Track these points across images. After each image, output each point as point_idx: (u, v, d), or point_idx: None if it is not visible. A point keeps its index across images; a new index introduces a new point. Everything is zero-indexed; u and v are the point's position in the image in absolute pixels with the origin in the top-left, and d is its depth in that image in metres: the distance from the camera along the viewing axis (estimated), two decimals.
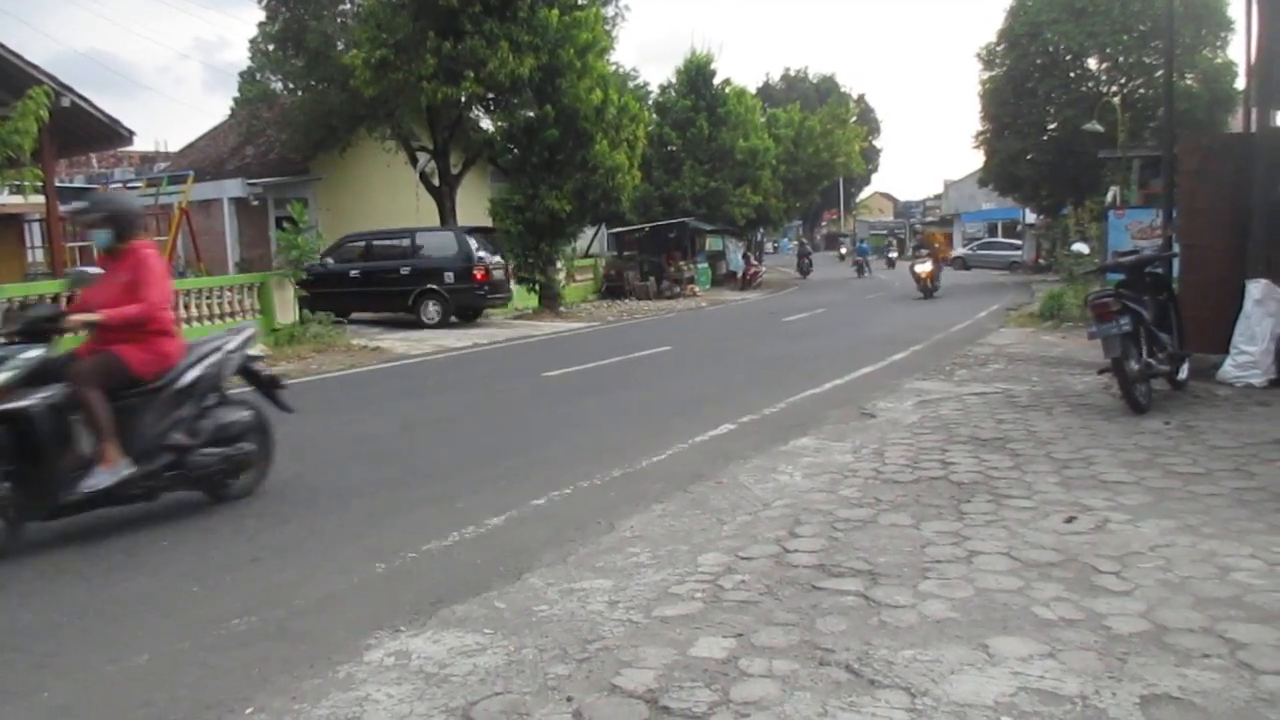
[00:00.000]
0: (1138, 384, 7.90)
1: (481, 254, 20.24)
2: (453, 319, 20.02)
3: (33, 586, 4.80)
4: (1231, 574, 4.22)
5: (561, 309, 23.90)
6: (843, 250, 62.99)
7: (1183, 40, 28.02)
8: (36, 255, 24.33)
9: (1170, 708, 3.09)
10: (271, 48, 27.03)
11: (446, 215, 26.50)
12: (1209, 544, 4.62)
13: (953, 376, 10.84)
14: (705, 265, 35.84)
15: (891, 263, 49.89)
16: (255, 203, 28.64)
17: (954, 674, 3.37)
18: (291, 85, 27.82)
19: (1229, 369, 9.19)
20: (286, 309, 16.42)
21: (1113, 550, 4.58)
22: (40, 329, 5.57)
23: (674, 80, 37.54)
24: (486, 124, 25.23)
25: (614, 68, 27.07)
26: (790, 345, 15.32)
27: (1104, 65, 33.37)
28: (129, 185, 26.88)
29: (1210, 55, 30.98)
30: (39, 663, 3.90)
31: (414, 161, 26.82)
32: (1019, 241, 50.39)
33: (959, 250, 53.34)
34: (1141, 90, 31.99)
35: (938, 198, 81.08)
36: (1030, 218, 46.18)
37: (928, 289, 26.65)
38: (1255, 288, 9.08)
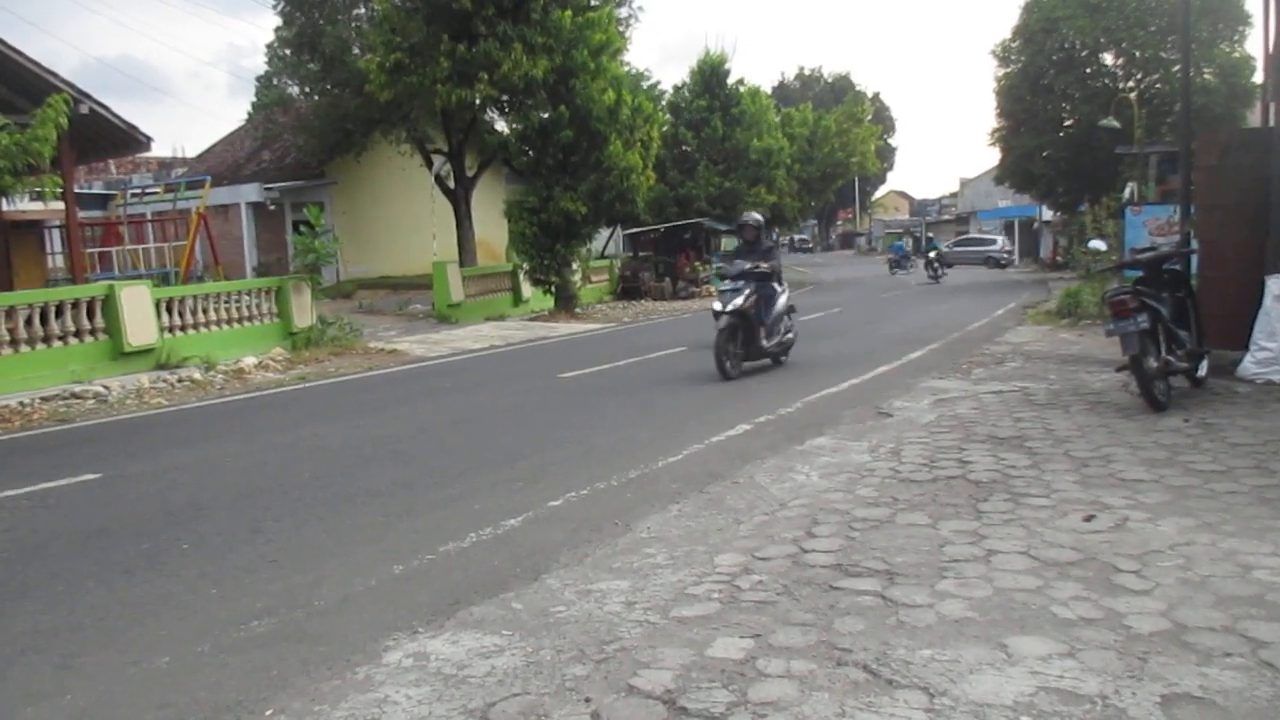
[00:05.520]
0: (1156, 381, 7.85)
1: None
2: None
3: (55, 589, 4.84)
4: (1253, 572, 4.19)
5: (577, 310, 23.93)
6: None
7: (1199, 34, 27.81)
8: (57, 261, 24.56)
9: (1191, 707, 3.07)
10: (288, 53, 27.22)
11: (462, 218, 26.62)
12: (1229, 542, 4.58)
13: (970, 375, 10.80)
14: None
15: (936, 272, 35.66)
16: (272, 207, 28.82)
17: (972, 674, 3.36)
18: (307, 90, 28.00)
19: (1249, 366, 9.12)
20: (304, 312, 16.51)
21: (1132, 549, 4.55)
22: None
23: (688, 80, 37.50)
24: (501, 126, 25.31)
25: (627, 68, 27.06)
26: (805, 345, 15.25)
27: (1120, 61, 33.14)
28: (147, 190, 27.07)
29: (1227, 49, 30.70)
30: (61, 664, 3.93)
31: (429, 164, 26.95)
32: (995, 237, 52.94)
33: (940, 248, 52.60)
34: (1158, 85, 31.77)
35: (954, 195, 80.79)
36: (1047, 215, 45.92)
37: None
38: (1275, 283, 9.01)
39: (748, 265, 11.50)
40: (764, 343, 11.57)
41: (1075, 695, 3.16)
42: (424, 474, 7.04)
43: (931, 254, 36.77)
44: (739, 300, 11.05)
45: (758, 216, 12.56)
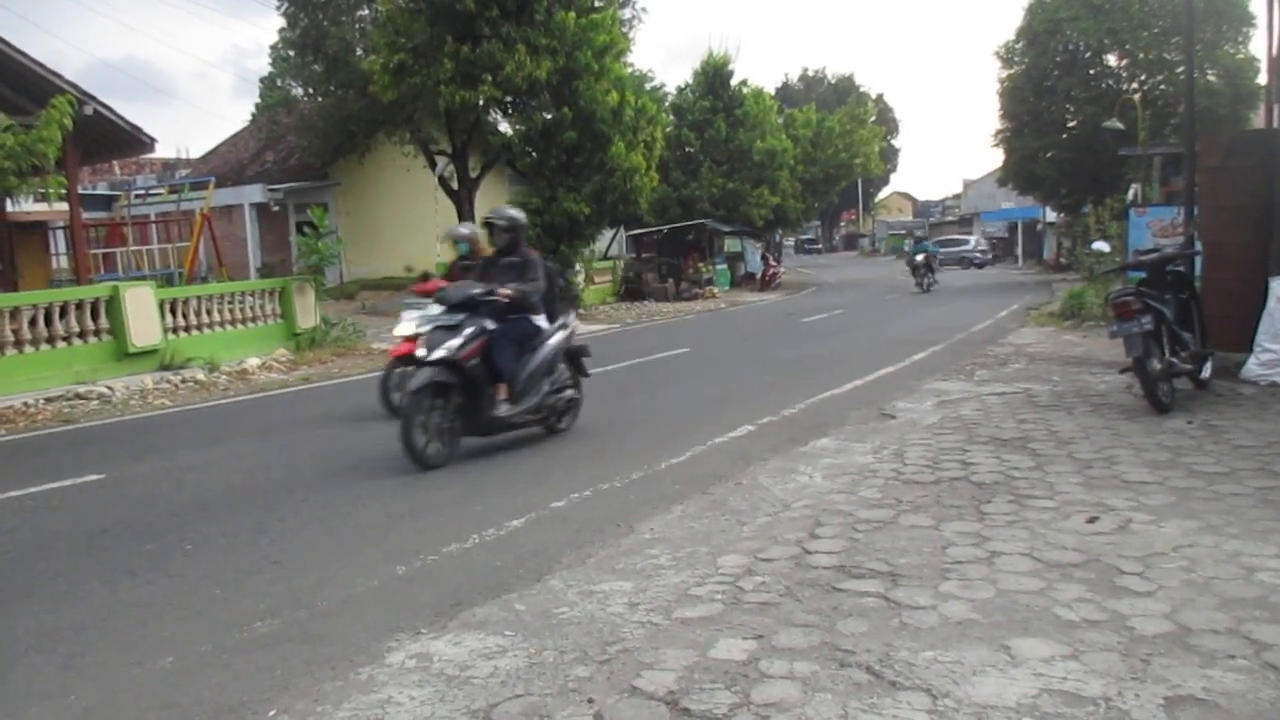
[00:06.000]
0: (1160, 383, 7.84)
1: None
2: None
3: (59, 590, 4.85)
4: (1256, 574, 4.18)
5: (580, 311, 23.91)
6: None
7: (1203, 36, 27.76)
8: (61, 262, 24.58)
9: (1194, 709, 3.07)
10: (291, 54, 27.23)
11: (465, 218, 26.61)
12: (1233, 544, 4.58)
13: (973, 376, 10.79)
14: (724, 266, 35.82)
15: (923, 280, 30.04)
16: (276, 208, 28.82)
17: (975, 675, 3.35)
18: (311, 91, 28.02)
19: (1253, 367, 9.10)
20: (308, 313, 16.52)
21: (1136, 551, 4.54)
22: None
23: (691, 82, 37.51)
24: (504, 127, 25.31)
25: (631, 69, 27.08)
26: (809, 346, 15.28)
27: (1124, 62, 33.07)
28: (151, 191, 27.12)
29: (1231, 51, 30.64)
30: (65, 665, 3.94)
31: (433, 165, 26.96)
32: (968, 237, 56.58)
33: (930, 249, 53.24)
34: (1162, 87, 31.70)
35: (957, 197, 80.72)
36: (1051, 216, 45.89)
37: None
38: (1279, 285, 8.99)
39: (477, 290, 7.60)
40: (502, 410, 7.59)
41: (1078, 697, 3.16)
42: (426, 475, 7.04)
43: (919, 257, 30.64)
44: (454, 343, 7.19)
45: (513, 213, 8.36)
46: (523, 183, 25.58)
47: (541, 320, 8.13)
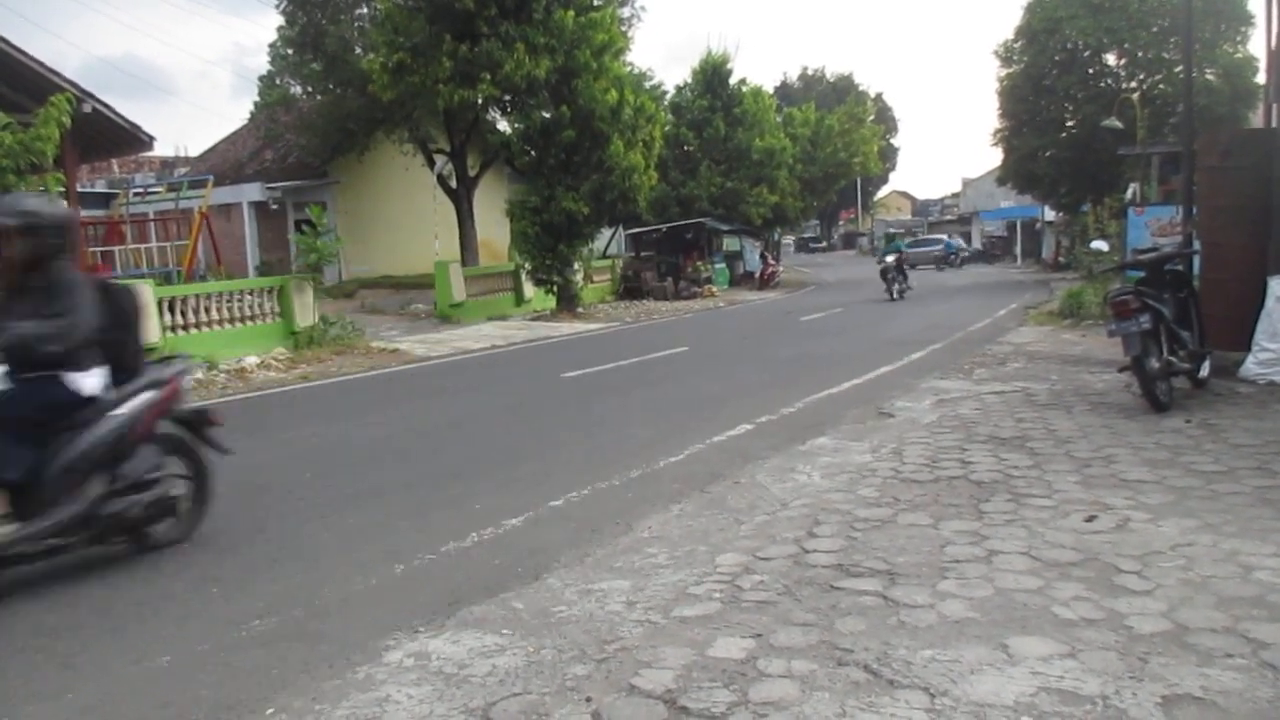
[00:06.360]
0: (1158, 382, 7.84)
1: None
2: None
3: (57, 588, 4.85)
4: (1254, 573, 4.18)
5: (579, 310, 23.94)
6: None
7: (1202, 35, 27.76)
8: None
9: (1192, 708, 3.07)
10: (290, 52, 27.23)
11: (464, 217, 26.64)
12: (1231, 543, 4.58)
13: (971, 375, 10.79)
14: (723, 265, 35.83)
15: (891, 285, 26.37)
16: (274, 206, 28.80)
17: (973, 674, 3.36)
18: (310, 89, 28.02)
19: (1251, 366, 9.10)
20: (306, 311, 16.51)
21: (1134, 549, 4.55)
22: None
23: (690, 80, 37.51)
24: (503, 126, 25.30)
25: (629, 68, 27.08)
26: (808, 345, 15.28)
27: (1122, 61, 33.09)
28: (149, 190, 27.13)
29: (1230, 50, 30.66)
30: (63, 663, 3.94)
31: (431, 164, 26.96)
32: (941, 237, 59.03)
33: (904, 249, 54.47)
34: (1161, 86, 31.72)
35: (956, 196, 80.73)
36: (1050, 215, 45.89)
37: None
38: (1277, 284, 8.99)
39: None
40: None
41: (1076, 695, 3.16)
42: (425, 473, 7.05)
43: (890, 258, 27.18)
44: None
45: (33, 205, 5.02)
46: (521, 181, 25.56)
47: (91, 380, 4.99)
